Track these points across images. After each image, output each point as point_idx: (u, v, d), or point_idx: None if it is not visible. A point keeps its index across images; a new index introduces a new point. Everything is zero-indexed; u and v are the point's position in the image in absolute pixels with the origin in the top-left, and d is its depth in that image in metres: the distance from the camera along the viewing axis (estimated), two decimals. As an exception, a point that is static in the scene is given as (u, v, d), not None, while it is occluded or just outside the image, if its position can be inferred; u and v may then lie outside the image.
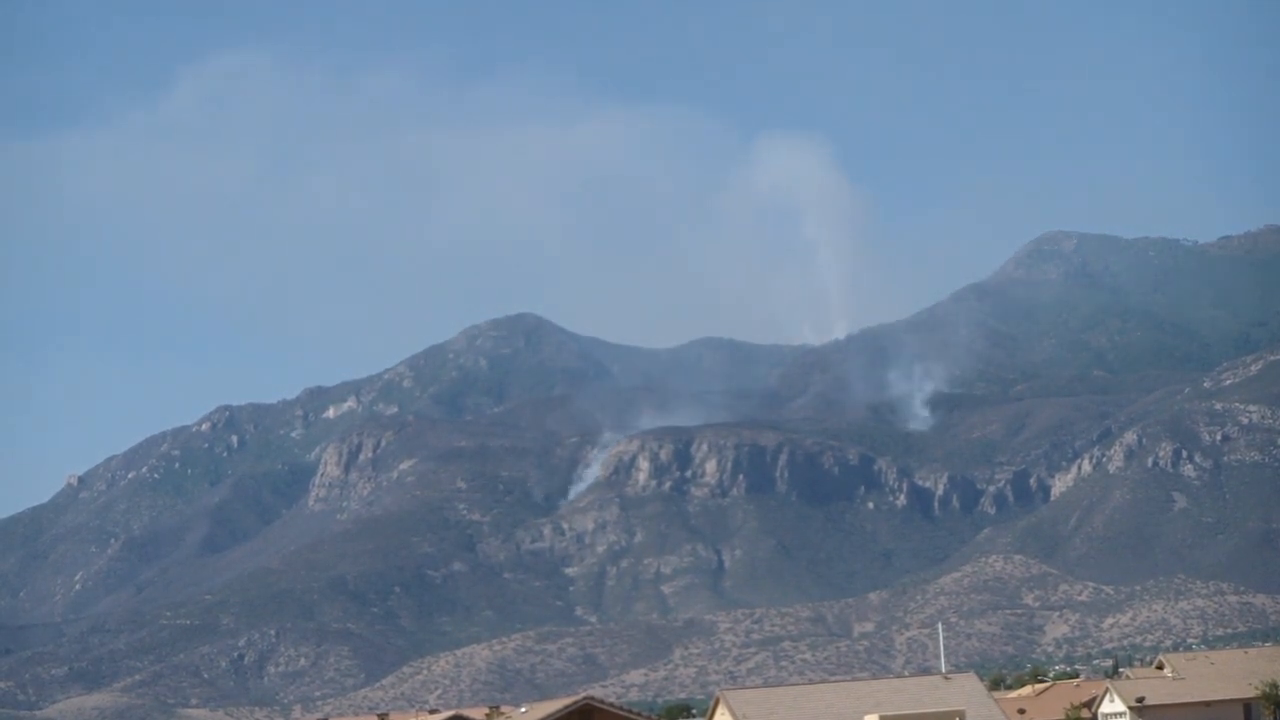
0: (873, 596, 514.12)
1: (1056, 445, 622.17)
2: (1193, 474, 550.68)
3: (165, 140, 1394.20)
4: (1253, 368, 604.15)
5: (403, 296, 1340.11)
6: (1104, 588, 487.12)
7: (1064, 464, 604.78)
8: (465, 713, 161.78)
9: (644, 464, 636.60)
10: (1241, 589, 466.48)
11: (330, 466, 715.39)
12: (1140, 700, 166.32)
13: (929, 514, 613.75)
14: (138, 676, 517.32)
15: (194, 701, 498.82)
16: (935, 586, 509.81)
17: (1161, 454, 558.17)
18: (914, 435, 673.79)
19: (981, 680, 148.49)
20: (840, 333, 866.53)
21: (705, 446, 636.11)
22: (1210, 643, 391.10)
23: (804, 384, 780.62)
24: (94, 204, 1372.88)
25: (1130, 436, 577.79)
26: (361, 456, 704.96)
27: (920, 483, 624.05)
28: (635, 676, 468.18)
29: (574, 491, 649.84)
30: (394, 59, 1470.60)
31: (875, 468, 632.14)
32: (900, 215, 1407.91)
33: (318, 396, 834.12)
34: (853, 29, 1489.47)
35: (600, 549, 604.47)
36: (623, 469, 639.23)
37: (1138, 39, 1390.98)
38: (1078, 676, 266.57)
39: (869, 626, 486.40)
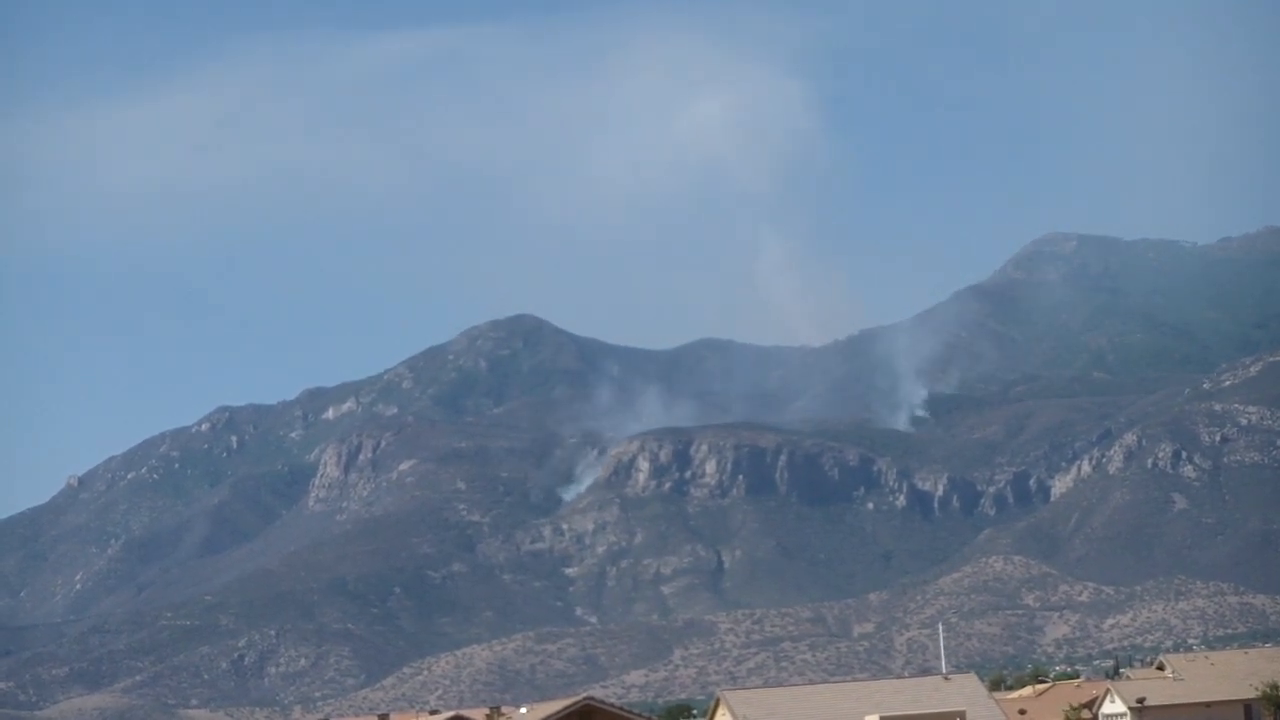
0: (873, 597, 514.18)
1: (1056, 446, 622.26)
2: (1192, 475, 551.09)
3: (165, 139, 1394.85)
4: (1252, 369, 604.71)
5: (402, 297, 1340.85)
6: (1104, 588, 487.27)
7: (1064, 465, 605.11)
8: (465, 713, 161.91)
9: (644, 465, 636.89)
10: (1241, 590, 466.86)
11: (330, 467, 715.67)
12: (1141, 701, 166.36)
13: (929, 515, 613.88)
14: (138, 677, 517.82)
15: (194, 702, 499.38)
16: (935, 587, 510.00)
17: (1161, 455, 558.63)
18: (914, 436, 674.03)
19: (982, 681, 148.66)
20: (840, 334, 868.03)
21: (705, 447, 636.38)
22: (1210, 643, 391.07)
23: (804, 385, 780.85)
24: (94, 203, 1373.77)
25: (1130, 437, 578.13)
26: (361, 457, 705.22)
27: (920, 484, 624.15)
28: (635, 677, 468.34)
29: (574, 492, 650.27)
30: (391, 56, 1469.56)
31: (875, 469, 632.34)
32: (900, 215, 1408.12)
33: (317, 397, 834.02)
34: (851, 27, 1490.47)
35: (600, 550, 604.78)
36: (622, 470, 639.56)
37: (1138, 39, 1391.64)
38: (1078, 677, 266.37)
39: (869, 627, 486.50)
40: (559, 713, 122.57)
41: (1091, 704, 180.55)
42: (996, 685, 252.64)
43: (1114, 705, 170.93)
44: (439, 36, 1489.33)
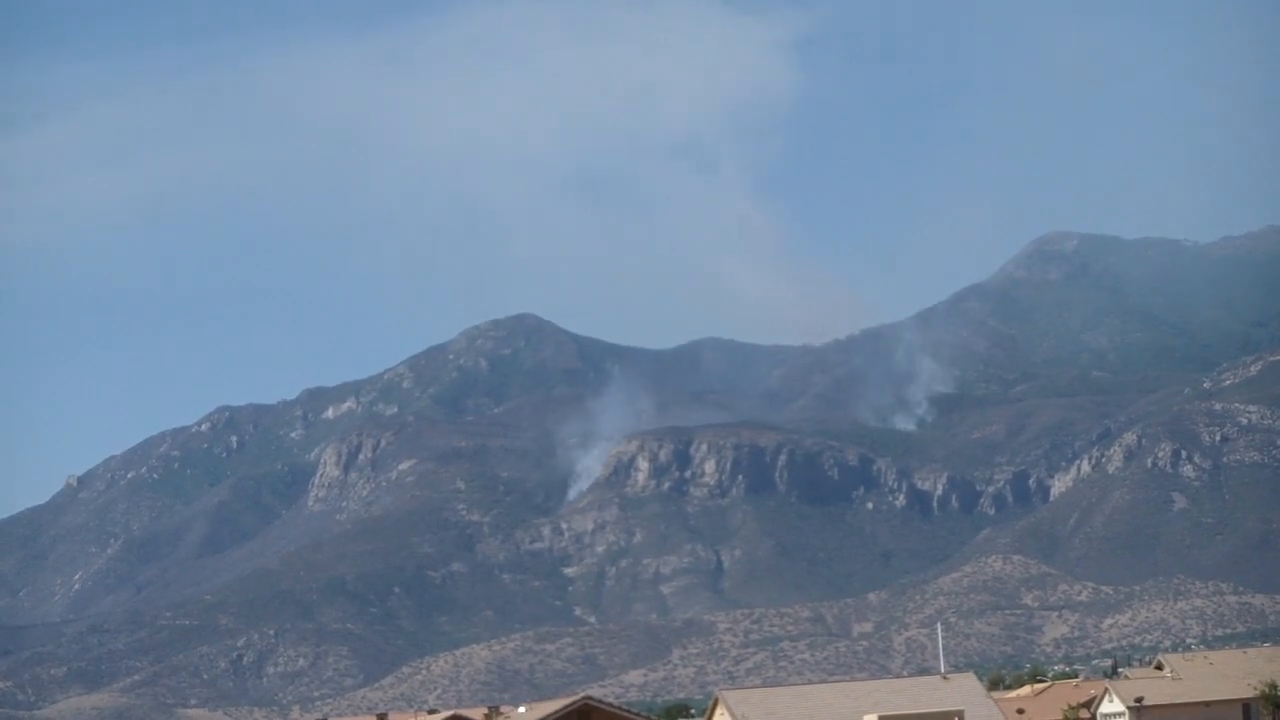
0: (872, 597, 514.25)
1: (1056, 446, 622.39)
2: (1192, 474, 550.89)
3: (164, 139, 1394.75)
4: (1252, 368, 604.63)
5: (403, 297, 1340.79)
6: (1103, 588, 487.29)
7: (1063, 464, 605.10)
8: (464, 713, 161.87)
9: (643, 464, 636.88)
10: (1240, 589, 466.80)
11: (330, 467, 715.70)
12: (1139, 700, 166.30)
13: (928, 514, 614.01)
14: (137, 677, 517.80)
15: (193, 702, 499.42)
16: (934, 587, 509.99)
17: (1161, 454, 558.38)
18: (913, 436, 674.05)
19: (980, 680, 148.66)
20: (840, 333, 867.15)
21: (705, 447, 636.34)
22: (1209, 643, 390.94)
23: (804, 384, 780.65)
24: (93, 203, 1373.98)
25: (1130, 437, 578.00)
26: (361, 457, 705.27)
27: (919, 483, 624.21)
28: (634, 677, 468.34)
29: (573, 492, 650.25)
30: (385, 53, 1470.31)
31: (875, 468, 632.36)
32: (901, 214, 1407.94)
33: (317, 397, 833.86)
34: (850, 21, 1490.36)
35: (599, 549, 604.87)
36: (622, 469, 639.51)
37: (1138, 39, 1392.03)
38: (1077, 677, 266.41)
39: (868, 627, 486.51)
40: (558, 712, 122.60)
41: (1090, 704, 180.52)
42: (995, 685, 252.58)
43: (1112, 705, 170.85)
44: (423, 26, 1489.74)
